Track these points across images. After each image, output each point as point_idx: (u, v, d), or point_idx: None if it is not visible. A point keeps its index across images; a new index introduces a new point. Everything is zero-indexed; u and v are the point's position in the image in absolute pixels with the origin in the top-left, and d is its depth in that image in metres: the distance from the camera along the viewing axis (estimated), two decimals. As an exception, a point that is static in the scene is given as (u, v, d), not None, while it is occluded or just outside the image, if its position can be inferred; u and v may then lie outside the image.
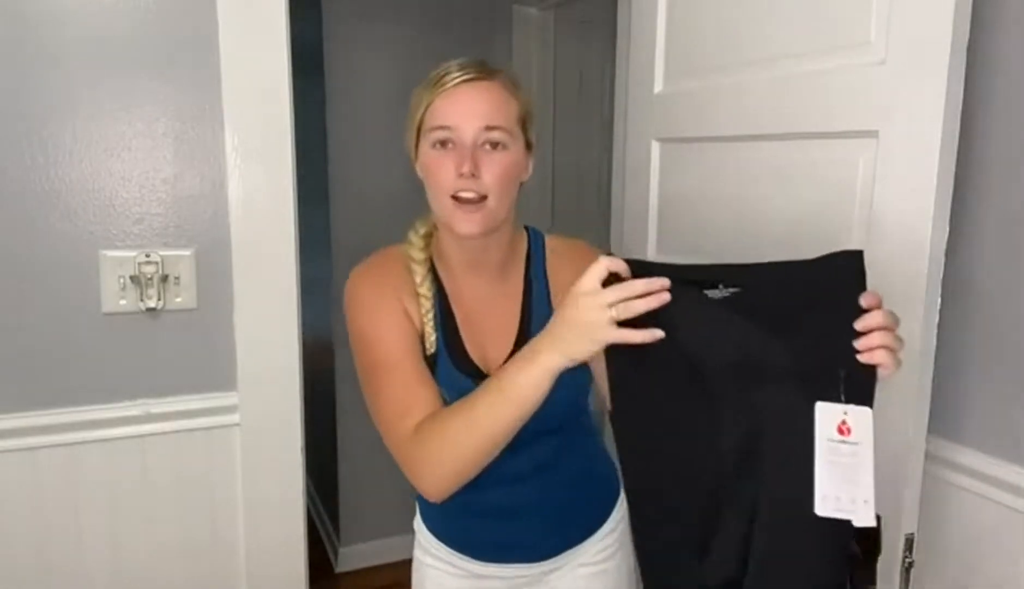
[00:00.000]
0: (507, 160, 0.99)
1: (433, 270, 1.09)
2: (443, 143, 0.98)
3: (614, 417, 0.93)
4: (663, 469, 0.90)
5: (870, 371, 0.78)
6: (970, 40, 0.95)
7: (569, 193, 3.09)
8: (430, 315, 1.05)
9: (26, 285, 1.26)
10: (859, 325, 0.77)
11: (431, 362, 1.04)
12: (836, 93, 1.10)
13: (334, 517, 2.96)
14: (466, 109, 0.97)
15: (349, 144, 2.69)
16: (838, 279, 0.79)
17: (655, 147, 1.53)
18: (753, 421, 0.83)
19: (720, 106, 1.33)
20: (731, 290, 0.83)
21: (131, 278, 1.31)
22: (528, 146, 1.06)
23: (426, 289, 1.05)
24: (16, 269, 1.25)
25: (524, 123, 1.04)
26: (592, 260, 1.03)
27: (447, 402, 1.02)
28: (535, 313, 1.09)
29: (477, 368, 1.06)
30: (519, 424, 0.92)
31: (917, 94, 0.98)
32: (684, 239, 1.47)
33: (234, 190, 1.35)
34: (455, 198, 0.98)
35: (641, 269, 0.85)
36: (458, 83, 0.98)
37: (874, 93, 1.04)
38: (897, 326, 0.79)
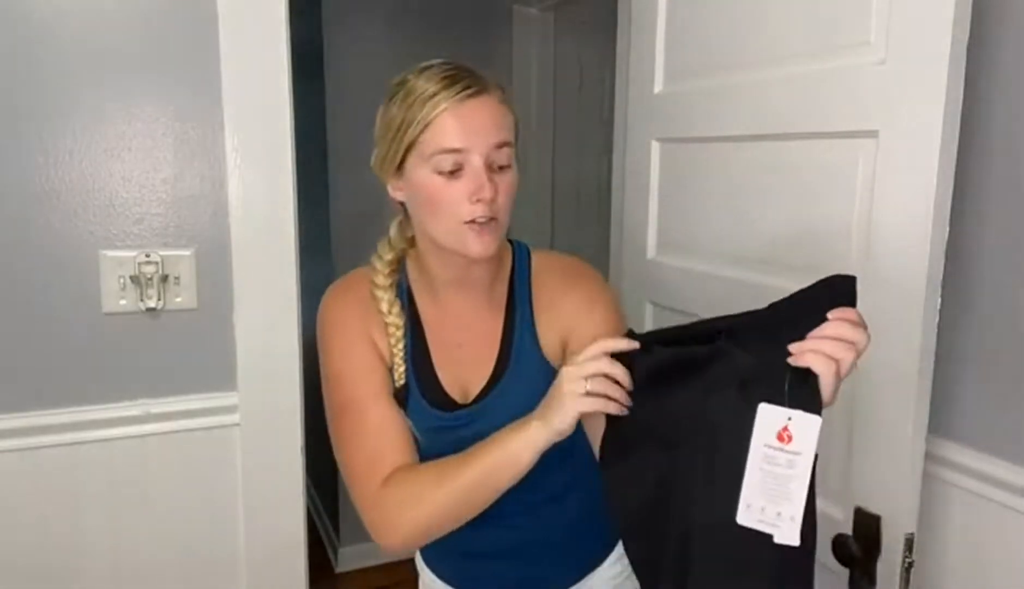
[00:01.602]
0: (512, 179, 0.94)
1: (410, 294, 1.03)
2: (452, 172, 0.89)
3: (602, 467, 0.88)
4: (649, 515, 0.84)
5: (813, 378, 0.72)
6: (970, 40, 0.95)
7: (569, 193, 3.09)
8: (400, 346, 0.99)
9: (26, 285, 1.26)
10: (813, 333, 0.73)
11: (401, 396, 0.99)
12: (836, 93, 1.10)
13: (334, 517, 2.96)
14: (475, 128, 0.89)
15: (349, 144, 2.69)
16: (821, 299, 0.74)
17: (655, 147, 1.53)
18: (706, 429, 0.78)
19: (720, 106, 1.33)
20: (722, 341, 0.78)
21: (131, 278, 1.31)
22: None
23: (395, 317, 0.99)
24: (16, 269, 1.25)
25: (517, 133, 0.97)
26: (585, 280, 1.04)
27: (417, 438, 0.98)
28: (516, 335, 1.02)
29: (451, 400, 1.01)
30: (497, 493, 0.89)
31: (917, 94, 0.98)
32: (684, 239, 1.47)
33: (234, 190, 1.35)
34: (472, 223, 0.91)
35: (648, 340, 0.83)
36: (463, 98, 0.88)
37: (874, 93, 1.04)
38: (861, 343, 0.73)
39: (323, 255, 2.81)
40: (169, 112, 1.31)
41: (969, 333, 1.09)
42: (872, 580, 1.07)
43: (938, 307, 1.00)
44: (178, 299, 1.34)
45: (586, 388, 0.81)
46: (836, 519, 1.14)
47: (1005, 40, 1.03)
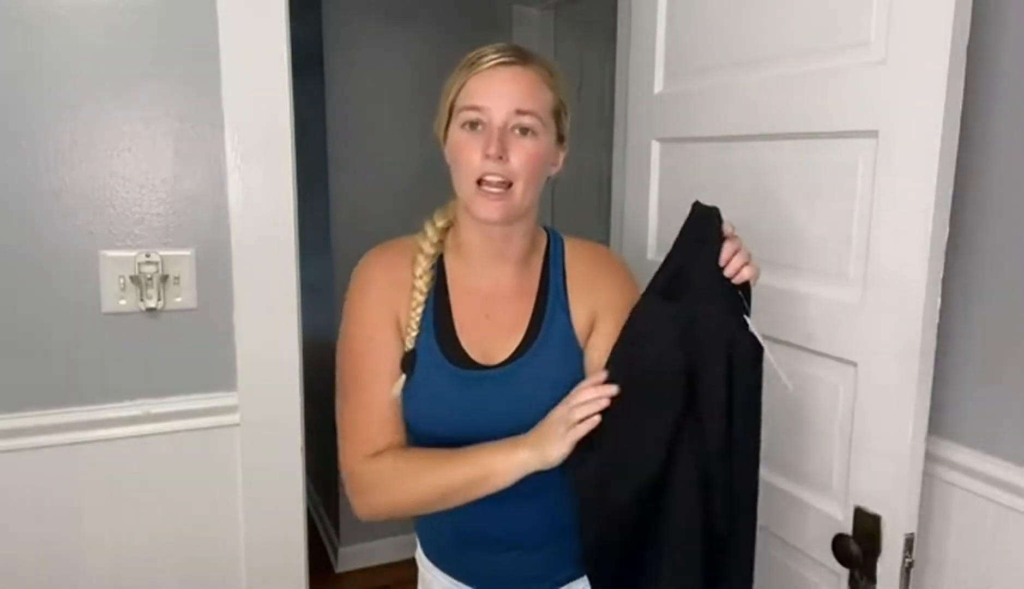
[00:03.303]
0: (536, 147, 0.98)
1: (442, 263, 1.08)
2: (473, 124, 0.97)
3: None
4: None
5: (746, 286, 0.96)
6: (970, 40, 0.95)
7: (569, 192, 3.09)
8: (418, 311, 1.03)
9: (26, 285, 1.26)
10: (722, 259, 0.94)
11: (408, 361, 1.03)
12: (836, 93, 1.10)
13: (334, 517, 2.96)
14: (499, 90, 0.96)
15: (349, 144, 2.70)
16: (698, 229, 0.97)
17: (655, 147, 1.53)
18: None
19: (720, 106, 1.33)
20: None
21: (131, 278, 1.31)
22: (561, 139, 1.04)
23: (423, 283, 1.04)
24: (16, 269, 1.25)
25: (558, 115, 1.02)
26: (617, 267, 1.14)
27: (419, 397, 1.02)
28: (549, 310, 1.07)
29: (471, 360, 1.04)
30: (472, 498, 0.97)
31: (917, 94, 0.98)
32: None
33: (234, 190, 1.35)
34: (480, 183, 0.97)
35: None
36: (494, 65, 0.97)
37: (874, 93, 1.04)
38: (740, 241, 0.97)
39: (323, 255, 2.81)
40: (169, 112, 1.31)
41: (969, 333, 1.09)
42: (872, 580, 1.07)
43: (938, 307, 1.00)
44: (178, 299, 1.34)
45: (575, 423, 0.92)
46: (836, 519, 1.14)
47: (1004, 40, 1.03)
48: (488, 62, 0.97)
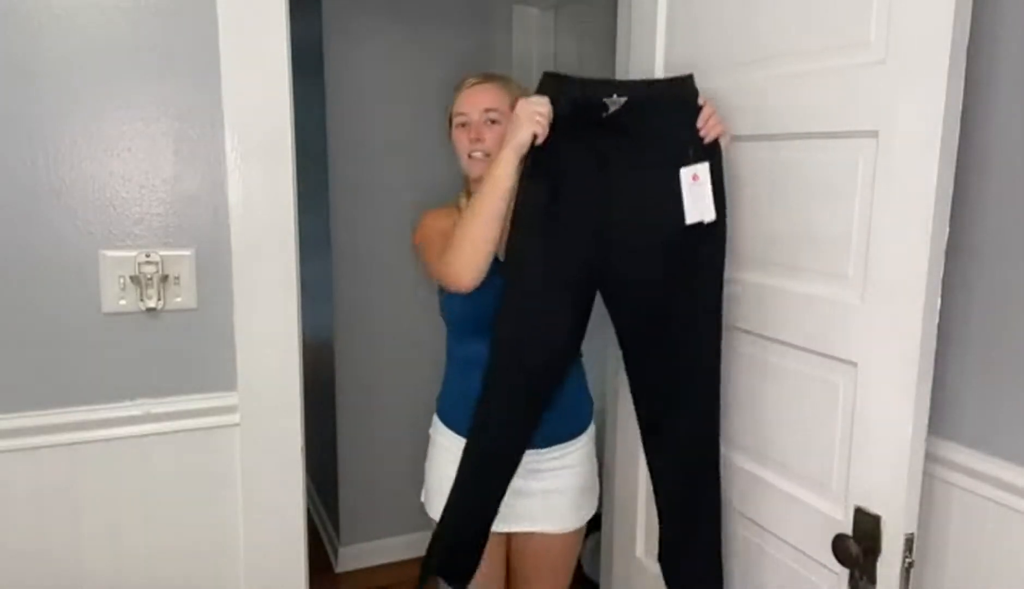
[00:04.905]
0: (501, 131, 1.47)
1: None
2: (462, 124, 1.53)
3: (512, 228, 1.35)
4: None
5: (715, 144, 1.28)
6: (970, 40, 0.95)
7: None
8: None
9: (26, 285, 1.26)
10: (700, 121, 1.27)
11: None
12: (836, 93, 1.10)
13: (334, 517, 2.96)
14: (474, 101, 1.52)
15: (349, 144, 2.69)
16: (684, 92, 1.30)
17: (655, 147, 1.53)
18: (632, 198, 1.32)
19: (719, 106, 1.33)
20: (622, 100, 1.31)
21: (131, 278, 1.31)
22: None
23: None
24: (16, 269, 1.25)
25: (512, 108, 1.44)
26: None
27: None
28: None
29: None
30: (501, 204, 1.32)
31: (917, 94, 0.98)
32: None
33: (234, 190, 1.35)
34: (469, 156, 1.52)
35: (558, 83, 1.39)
36: (470, 86, 1.54)
37: (874, 93, 1.04)
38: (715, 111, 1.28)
39: (323, 254, 2.81)
40: (169, 112, 1.31)
41: (969, 333, 1.09)
42: (872, 580, 1.07)
43: (938, 307, 1.00)
44: (178, 299, 1.34)
45: (536, 118, 1.29)
46: (836, 519, 1.14)
47: (1005, 40, 1.03)
48: (466, 85, 1.54)
